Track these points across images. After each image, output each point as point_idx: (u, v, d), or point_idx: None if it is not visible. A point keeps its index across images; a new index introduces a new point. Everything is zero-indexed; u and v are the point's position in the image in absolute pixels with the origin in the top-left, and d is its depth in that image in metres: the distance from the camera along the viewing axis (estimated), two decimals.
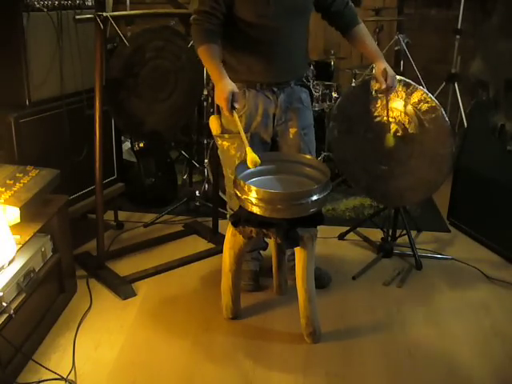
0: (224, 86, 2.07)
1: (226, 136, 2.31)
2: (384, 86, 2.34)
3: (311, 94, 2.45)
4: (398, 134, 2.57)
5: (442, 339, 2.27)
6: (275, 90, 2.27)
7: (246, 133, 2.26)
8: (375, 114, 2.60)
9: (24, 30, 2.37)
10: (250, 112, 2.26)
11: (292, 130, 2.36)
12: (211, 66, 2.13)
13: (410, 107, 2.53)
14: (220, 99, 2.08)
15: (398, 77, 2.51)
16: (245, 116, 2.25)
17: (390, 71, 2.33)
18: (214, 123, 2.33)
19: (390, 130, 2.57)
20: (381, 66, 2.33)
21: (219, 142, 2.35)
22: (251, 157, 2.06)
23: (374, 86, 2.53)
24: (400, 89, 2.53)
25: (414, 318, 2.41)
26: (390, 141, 2.52)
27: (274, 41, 2.18)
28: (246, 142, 2.09)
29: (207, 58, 2.12)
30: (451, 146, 2.48)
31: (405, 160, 2.61)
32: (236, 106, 2.09)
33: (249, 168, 2.09)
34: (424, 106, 2.49)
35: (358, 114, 2.66)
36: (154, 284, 2.63)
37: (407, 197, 2.71)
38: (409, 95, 2.52)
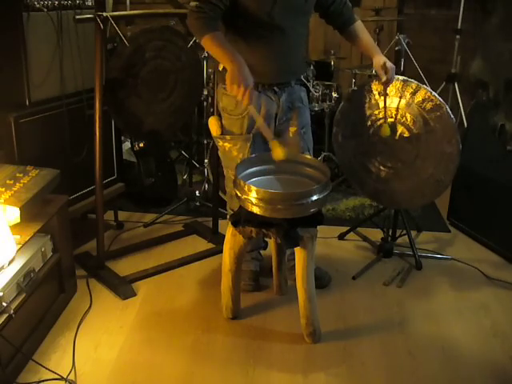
0: (246, 73, 1.96)
1: (228, 137, 2.30)
2: (384, 79, 2.33)
3: (308, 92, 2.45)
4: (405, 135, 2.55)
5: (442, 339, 2.27)
6: (276, 90, 2.26)
7: (248, 134, 2.26)
8: (378, 116, 2.60)
9: (24, 29, 2.37)
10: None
11: (292, 129, 2.36)
12: (226, 50, 2.00)
13: (414, 107, 2.52)
14: (241, 85, 1.94)
15: (401, 77, 2.51)
16: (247, 117, 2.23)
17: (390, 64, 2.33)
18: (213, 124, 2.32)
19: (389, 124, 2.55)
20: (380, 59, 2.33)
21: (220, 143, 2.34)
22: (278, 151, 2.08)
23: (374, 85, 2.53)
24: (404, 89, 2.52)
25: (414, 317, 2.41)
26: (386, 130, 2.49)
27: (277, 40, 2.17)
28: (269, 135, 2.11)
29: (216, 43, 2.02)
30: (458, 144, 2.47)
31: (411, 161, 2.59)
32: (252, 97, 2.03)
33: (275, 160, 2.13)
34: (429, 105, 2.49)
35: (361, 117, 2.65)
36: (153, 284, 2.63)
37: (415, 199, 2.68)
38: (412, 95, 2.51)
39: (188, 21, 2.07)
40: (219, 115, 2.35)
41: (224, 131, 2.31)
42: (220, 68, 2.25)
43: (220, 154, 2.41)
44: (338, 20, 2.36)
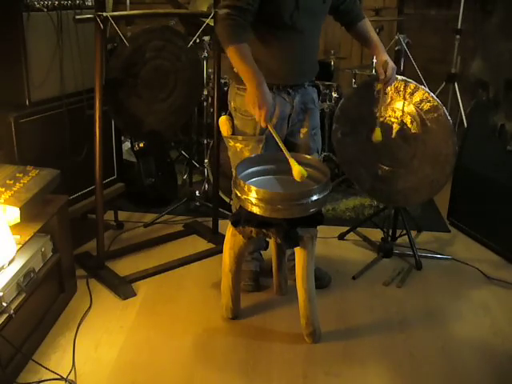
0: (266, 95, 2.03)
1: (240, 138, 2.29)
2: (383, 77, 2.33)
3: (319, 93, 2.45)
4: (402, 135, 2.56)
5: (442, 339, 2.27)
6: (290, 91, 2.26)
7: (261, 135, 2.25)
8: (377, 114, 2.60)
9: (24, 30, 2.37)
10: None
11: (303, 130, 2.36)
12: (248, 68, 2.04)
13: (412, 107, 2.53)
14: (261, 108, 2.03)
15: (400, 77, 2.51)
16: None
17: (391, 63, 2.32)
18: (224, 124, 2.30)
19: (382, 126, 2.53)
20: (382, 58, 2.32)
21: (231, 143, 2.32)
22: (298, 169, 2.02)
23: (378, 86, 2.53)
24: (402, 88, 2.52)
25: (413, 317, 2.41)
26: (378, 135, 2.48)
27: (295, 42, 2.17)
28: (287, 154, 2.05)
29: (242, 58, 2.03)
30: (454, 145, 2.48)
31: (408, 160, 2.60)
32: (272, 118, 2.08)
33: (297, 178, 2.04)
34: (426, 106, 2.49)
35: (361, 115, 2.65)
36: (154, 284, 2.63)
37: (411, 197, 2.69)
38: (411, 95, 2.52)
39: (216, 28, 2.11)
40: (229, 115, 2.33)
41: (236, 131, 2.30)
42: (235, 69, 2.24)
43: (230, 154, 2.39)
44: (346, 17, 2.36)
